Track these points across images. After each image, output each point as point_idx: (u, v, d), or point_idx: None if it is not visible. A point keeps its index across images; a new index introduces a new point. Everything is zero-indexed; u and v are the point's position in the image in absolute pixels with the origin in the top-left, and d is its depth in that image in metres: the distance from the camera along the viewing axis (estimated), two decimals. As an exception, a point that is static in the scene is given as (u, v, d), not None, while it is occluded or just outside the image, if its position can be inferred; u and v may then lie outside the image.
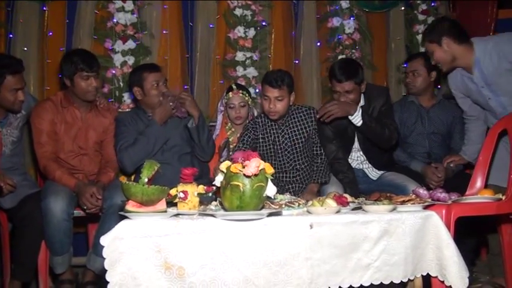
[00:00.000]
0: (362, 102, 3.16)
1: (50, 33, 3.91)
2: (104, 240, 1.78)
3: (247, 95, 3.46)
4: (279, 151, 3.16)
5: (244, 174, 1.81)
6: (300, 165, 3.17)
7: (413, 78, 3.54)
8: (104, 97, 3.38)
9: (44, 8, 3.89)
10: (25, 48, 3.80)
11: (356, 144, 3.27)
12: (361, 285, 2.00)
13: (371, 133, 3.09)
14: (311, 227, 1.93)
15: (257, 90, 4.07)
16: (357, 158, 3.29)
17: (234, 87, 3.46)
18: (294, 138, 3.14)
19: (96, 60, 3.05)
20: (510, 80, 2.90)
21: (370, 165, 3.29)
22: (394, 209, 2.12)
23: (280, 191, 2.61)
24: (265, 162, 1.88)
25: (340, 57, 4.22)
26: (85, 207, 2.82)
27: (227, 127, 3.51)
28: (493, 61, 2.89)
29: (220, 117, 3.56)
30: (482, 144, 2.82)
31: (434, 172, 3.26)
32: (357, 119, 3.01)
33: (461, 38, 2.97)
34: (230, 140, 3.44)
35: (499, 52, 2.88)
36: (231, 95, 3.42)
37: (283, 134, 3.15)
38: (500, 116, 2.91)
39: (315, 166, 3.17)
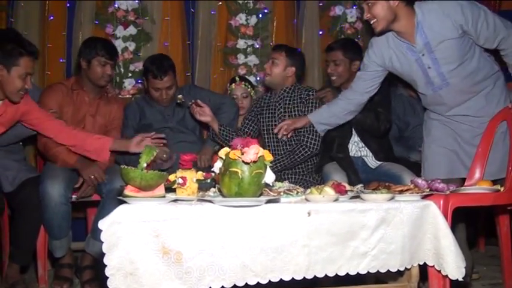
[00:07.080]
0: None
1: (51, 18, 3.90)
2: (102, 224, 1.79)
3: (249, 86, 3.62)
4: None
5: (243, 161, 1.81)
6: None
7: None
8: (114, 88, 3.43)
9: (45, -8, 3.87)
10: (26, 33, 3.76)
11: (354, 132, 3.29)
12: (358, 273, 2.01)
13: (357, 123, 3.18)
14: (309, 214, 1.94)
15: (258, 79, 4.06)
16: (356, 141, 3.29)
17: (237, 78, 3.64)
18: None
19: (116, 51, 3.17)
20: (451, 46, 2.60)
21: (369, 152, 3.28)
22: (392, 198, 2.13)
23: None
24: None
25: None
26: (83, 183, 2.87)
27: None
28: (436, 23, 2.58)
29: None
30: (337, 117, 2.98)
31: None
32: None
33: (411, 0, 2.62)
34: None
35: (442, 12, 2.56)
36: (233, 86, 3.60)
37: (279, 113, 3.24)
38: (437, 88, 2.69)
39: (288, 151, 3.18)
